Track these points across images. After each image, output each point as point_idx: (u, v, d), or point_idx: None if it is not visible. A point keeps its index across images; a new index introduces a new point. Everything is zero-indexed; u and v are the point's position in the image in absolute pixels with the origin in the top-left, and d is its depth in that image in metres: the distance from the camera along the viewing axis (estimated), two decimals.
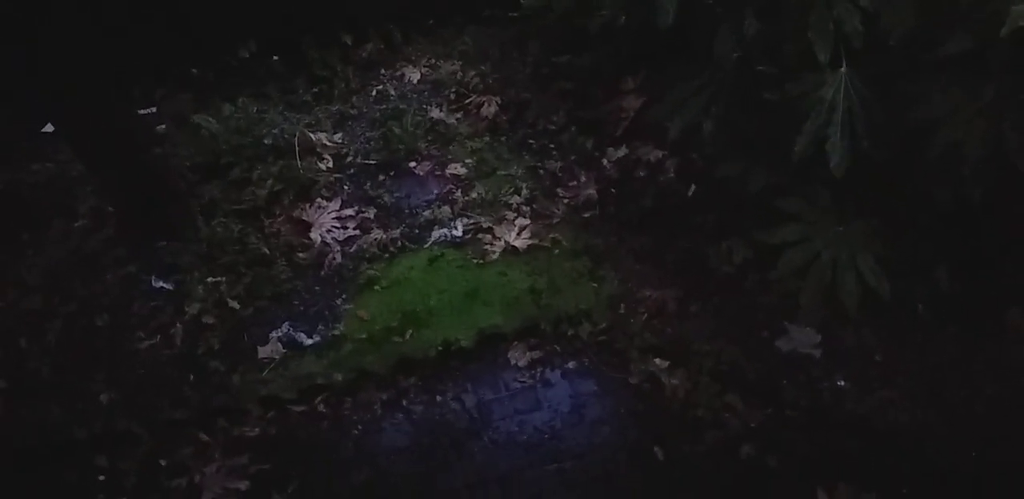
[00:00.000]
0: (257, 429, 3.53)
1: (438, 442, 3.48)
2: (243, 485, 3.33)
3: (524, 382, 3.70)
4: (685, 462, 3.31)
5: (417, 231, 4.37)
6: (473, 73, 5.21)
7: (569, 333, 3.82)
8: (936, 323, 3.47)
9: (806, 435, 3.35)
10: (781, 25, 3.07)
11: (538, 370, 3.74)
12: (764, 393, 3.48)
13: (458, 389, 3.70)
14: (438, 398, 3.66)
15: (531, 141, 4.82)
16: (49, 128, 4.92)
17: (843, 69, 2.98)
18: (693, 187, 4.26)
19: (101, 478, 3.39)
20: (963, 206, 3.04)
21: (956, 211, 3.12)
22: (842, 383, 3.46)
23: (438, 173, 4.72)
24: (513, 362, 3.78)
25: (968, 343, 3.48)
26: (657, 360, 3.64)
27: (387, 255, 4.23)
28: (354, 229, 4.37)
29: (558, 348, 3.80)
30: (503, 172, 4.64)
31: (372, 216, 4.46)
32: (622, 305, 3.88)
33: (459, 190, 4.58)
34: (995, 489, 3.09)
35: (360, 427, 3.57)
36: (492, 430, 3.51)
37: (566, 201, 4.47)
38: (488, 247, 4.23)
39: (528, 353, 3.80)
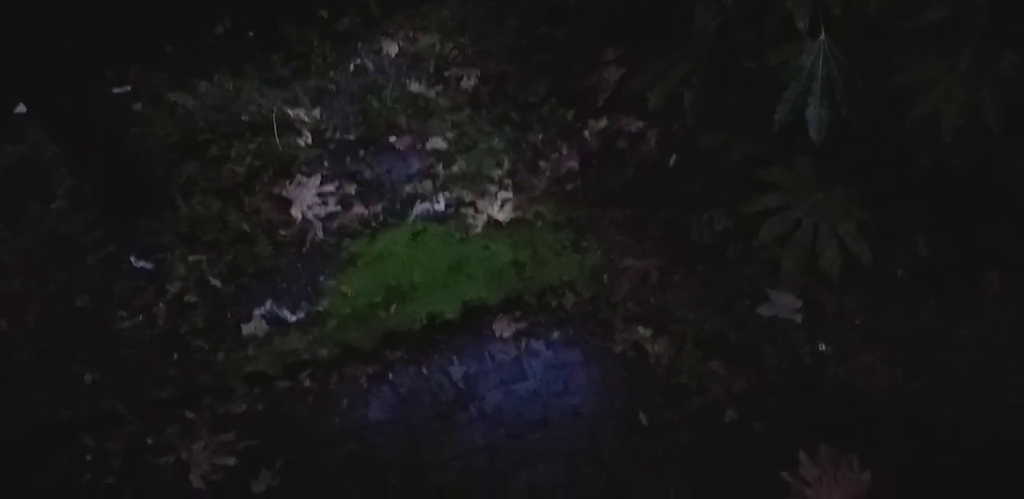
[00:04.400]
0: (243, 406, 3.53)
1: (425, 414, 3.50)
2: (231, 461, 3.33)
3: (509, 353, 3.71)
4: (669, 428, 3.34)
5: (399, 206, 4.35)
6: (452, 46, 5.17)
7: (553, 304, 3.83)
8: (916, 288, 3.50)
9: (788, 399, 3.38)
10: None
11: (523, 341, 3.75)
12: (747, 359, 3.51)
13: (444, 361, 3.71)
14: (424, 371, 3.68)
15: (512, 114, 4.79)
16: (22, 109, 4.85)
17: (822, 37, 2.97)
18: (674, 157, 4.26)
19: (88, 458, 3.38)
20: (942, 172, 3.06)
21: (935, 177, 3.14)
22: (823, 348, 3.50)
23: (419, 147, 4.70)
24: (498, 334, 3.79)
25: (947, 307, 3.52)
26: (641, 329, 3.66)
27: (369, 231, 4.22)
28: (335, 205, 4.35)
29: (542, 319, 3.81)
30: (484, 145, 4.62)
31: (353, 192, 4.44)
32: (605, 276, 3.89)
33: (440, 164, 4.56)
34: (973, 448, 3.15)
35: (346, 401, 3.57)
36: (478, 401, 3.53)
37: (548, 174, 4.46)
38: (471, 221, 4.23)
39: (513, 325, 3.81)
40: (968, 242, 3.41)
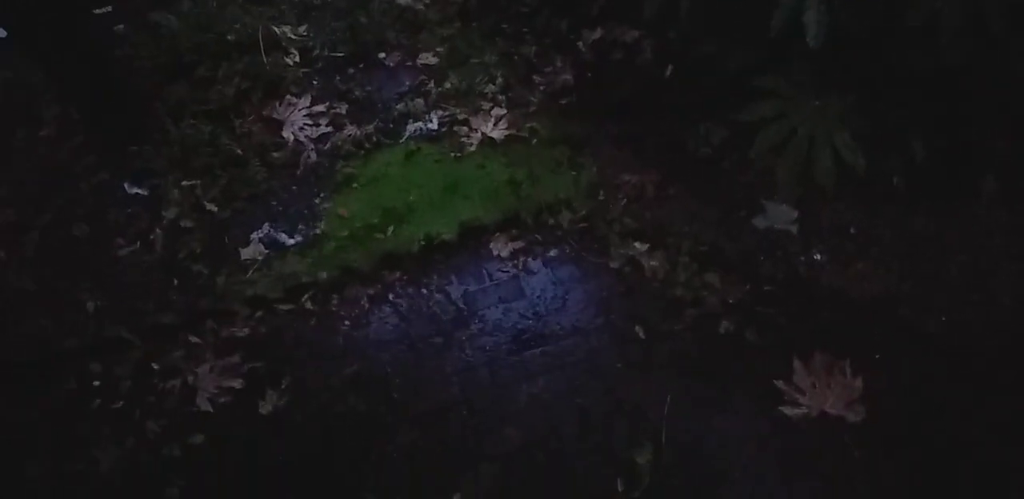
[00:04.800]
0: (246, 329, 3.58)
1: (426, 333, 3.55)
2: (237, 383, 3.40)
3: (507, 272, 3.73)
4: (666, 340, 3.39)
5: (391, 125, 4.29)
6: None
7: (550, 222, 3.83)
8: (911, 194, 3.48)
9: (783, 309, 3.42)
10: None
11: (520, 259, 3.76)
12: (742, 270, 3.53)
13: (443, 281, 3.73)
14: (423, 291, 3.71)
15: (504, 25, 4.67)
16: (2, 33, 4.72)
17: None
18: (670, 68, 4.16)
19: (96, 384, 3.45)
20: (940, 77, 2.99)
21: (932, 82, 3.07)
22: (818, 257, 3.51)
23: (409, 64, 4.60)
24: (495, 253, 3.80)
25: (942, 212, 3.52)
26: (637, 244, 3.66)
27: (363, 151, 4.17)
28: (327, 126, 4.29)
29: (539, 237, 3.82)
30: (476, 60, 4.51)
31: (344, 112, 4.37)
32: (601, 191, 3.87)
33: (432, 81, 4.47)
34: (961, 351, 3.20)
35: (348, 322, 3.62)
36: (478, 319, 3.58)
37: (542, 88, 4.37)
38: (465, 139, 4.18)
39: (510, 243, 3.81)
40: (965, 147, 3.37)
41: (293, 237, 3.86)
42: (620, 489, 3.00)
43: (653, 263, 3.61)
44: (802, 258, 3.52)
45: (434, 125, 4.26)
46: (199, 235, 3.84)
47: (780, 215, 3.64)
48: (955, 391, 3.14)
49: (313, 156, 4.17)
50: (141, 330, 3.52)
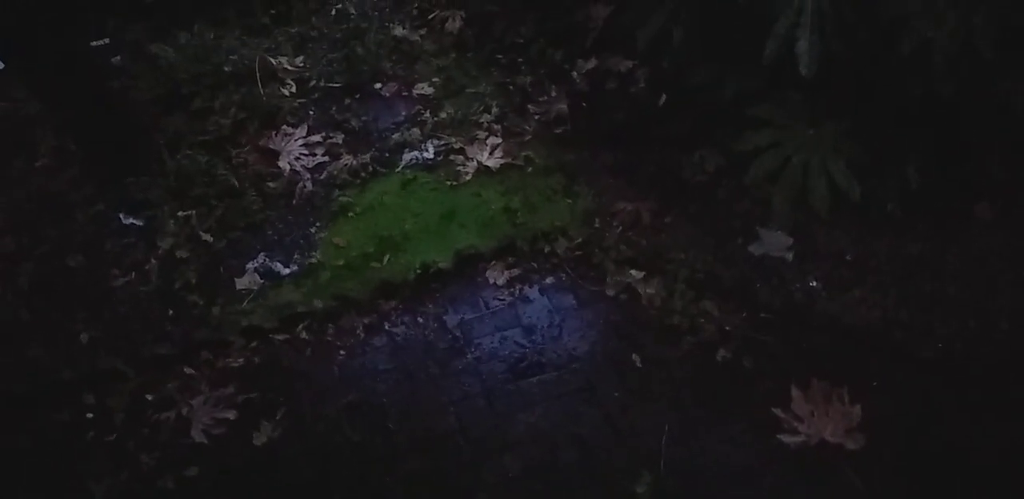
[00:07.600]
0: (241, 359, 3.56)
1: (422, 362, 3.53)
2: (231, 414, 3.37)
3: (503, 300, 3.73)
4: (663, 368, 3.38)
5: (387, 155, 4.30)
6: None
7: (546, 250, 3.83)
8: (906, 220, 3.50)
9: (780, 336, 3.42)
10: None
11: (517, 288, 3.76)
12: (739, 298, 3.53)
13: (439, 310, 3.72)
14: (419, 320, 3.70)
15: (499, 56, 4.71)
16: (0, 65, 4.76)
17: None
18: (664, 97, 4.19)
19: (90, 416, 3.42)
20: (933, 103, 3.02)
21: (926, 108, 3.10)
22: (814, 284, 3.52)
23: (405, 94, 4.63)
24: (492, 281, 3.80)
25: (937, 239, 3.53)
26: (633, 271, 3.67)
27: (359, 181, 4.19)
28: (323, 155, 4.30)
29: (535, 265, 3.82)
30: (472, 90, 4.55)
31: (340, 141, 4.38)
32: (597, 219, 3.88)
33: (427, 111, 4.50)
34: (960, 377, 3.20)
35: (344, 352, 3.60)
36: (474, 348, 3.56)
37: (537, 117, 4.40)
38: (461, 168, 4.19)
39: (506, 272, 3.81)
40: (959, 173, 3.39)
41: (288, 267, 3.85)
42: None
43: (649, 291, 3.61)
44: (798, 285, 3.52)
45: (430, 154, 4.28)
46: (194, 265, 3.82)
47: (776, 242, 3.64)
48: (955, 417, 3.12)
49: (309, 186, 4.17)
50: (136, 361, 3.49)
